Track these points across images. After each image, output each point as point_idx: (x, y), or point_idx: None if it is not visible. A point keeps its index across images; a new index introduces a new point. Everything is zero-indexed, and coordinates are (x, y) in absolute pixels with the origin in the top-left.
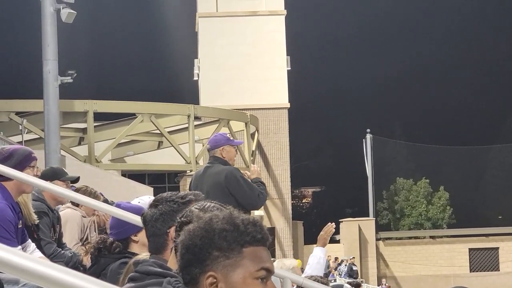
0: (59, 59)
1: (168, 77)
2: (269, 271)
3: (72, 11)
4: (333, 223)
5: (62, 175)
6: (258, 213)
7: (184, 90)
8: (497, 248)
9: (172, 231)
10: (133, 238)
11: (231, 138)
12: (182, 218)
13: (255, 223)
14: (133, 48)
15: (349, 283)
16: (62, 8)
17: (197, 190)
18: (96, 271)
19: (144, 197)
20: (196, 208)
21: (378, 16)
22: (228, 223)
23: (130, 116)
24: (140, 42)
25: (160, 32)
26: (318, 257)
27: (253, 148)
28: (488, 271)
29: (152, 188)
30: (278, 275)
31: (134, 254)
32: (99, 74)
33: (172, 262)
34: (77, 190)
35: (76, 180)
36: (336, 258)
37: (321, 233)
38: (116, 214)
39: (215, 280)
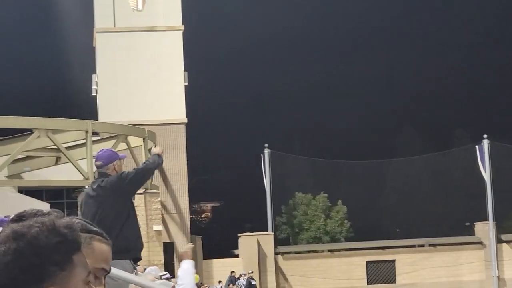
0: None
1: (66, 92)
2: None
3: None
4: (192, 244)
5: None
6: (156, 227)
7: (82, 106)
8: (393, 261)
9: None
10: None
11: (118, 153)
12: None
13: (73, 227)
14: (31, 62)
15: None
16: None
17: (83, 208)
18: None
19: None
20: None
21: (273, 30)
22: (58, 234)
23: (27, 131)
24: (38, 56)
25: (58, 46)
26: (187, 268)
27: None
28: (385, 283)
29: (49, 204)
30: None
31: None
32: None
33: None
34: None
35: None
36: (232, 272)
37: (181, 251)
38: None
39: None
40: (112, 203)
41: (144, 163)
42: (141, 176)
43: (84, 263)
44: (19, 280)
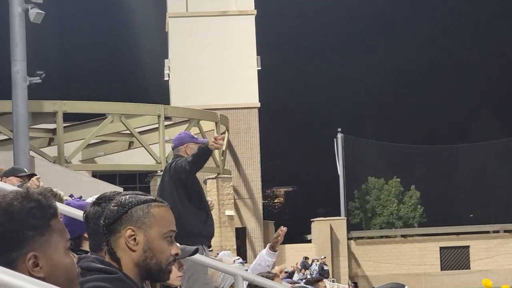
0: (27, 59)
1: (138, 77)
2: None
3: (40, 11)
4: (285, 228)
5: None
6: (228, 212)
7: (154, 90)
8: (467, 247)
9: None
10: (85, 235)
11: (195, 137)
12: (106, 220)
13: (46, 194)
14: (103, 49)
15: (308, 279)
16: (31, 8)
17: (160, 186)
18: None
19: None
20: (114, 206)
21: (349, 15)
22: (31, 200)
23: (100, 116)
24: (110, 42)
25: (130, 32)
26: (263, 258)
27: (223, 148)
28: (459, 269)
29: (122, 189)
30: (229, 272)
31: (87, 252)
32: (69, 75)
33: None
34: None
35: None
36: (305, 258)
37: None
38: (67, 212)
39: (35, 259)
40: (170, 189)
41: (194, 153)
42: (191, 165)
43: (62, 230)
44: None
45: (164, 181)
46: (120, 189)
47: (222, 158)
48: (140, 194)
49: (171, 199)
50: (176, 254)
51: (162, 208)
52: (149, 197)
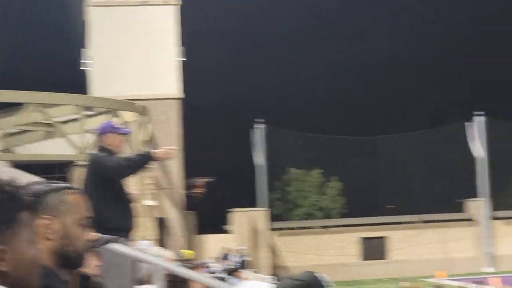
0: None
1: (58, 66)
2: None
3: None
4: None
5: None
6: (148, 202)
7: (74, 80)
8: (386, 237)
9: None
10: None
11: (118, 126)
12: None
13: (16, 185)
14: (21, 36)
15: (227, 270)
16: None
17: (84, 179)
18: None
19: None
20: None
21: (274, 4)
22: (1, 192)
23: (19, 105)
24: (28, 30)
25: (49, 20)
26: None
27: (147, 138)
28: (378, 259)
29: (43, 179)
30: (150, 262)
31: None
32: None
33: None
34: None
35: None
36: (225, 248)
37: None
38: None
39: (1, 253)
40: (91, 181)
41: (132, 157)
42: (127, 169)
43: (31, 223)
44: None
45: (87, 174)
46: (38, 179)
47: (142, 148)
48: (53, 183)
49: (91, 192)
50: (93, 240)
51: (76, 195)
52: (62, 184)
